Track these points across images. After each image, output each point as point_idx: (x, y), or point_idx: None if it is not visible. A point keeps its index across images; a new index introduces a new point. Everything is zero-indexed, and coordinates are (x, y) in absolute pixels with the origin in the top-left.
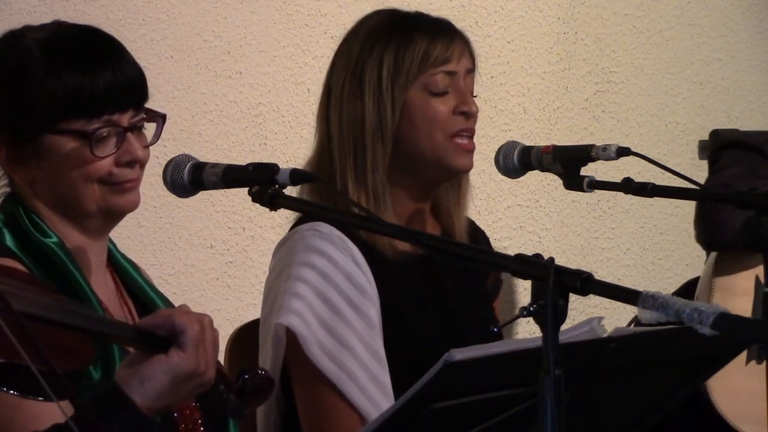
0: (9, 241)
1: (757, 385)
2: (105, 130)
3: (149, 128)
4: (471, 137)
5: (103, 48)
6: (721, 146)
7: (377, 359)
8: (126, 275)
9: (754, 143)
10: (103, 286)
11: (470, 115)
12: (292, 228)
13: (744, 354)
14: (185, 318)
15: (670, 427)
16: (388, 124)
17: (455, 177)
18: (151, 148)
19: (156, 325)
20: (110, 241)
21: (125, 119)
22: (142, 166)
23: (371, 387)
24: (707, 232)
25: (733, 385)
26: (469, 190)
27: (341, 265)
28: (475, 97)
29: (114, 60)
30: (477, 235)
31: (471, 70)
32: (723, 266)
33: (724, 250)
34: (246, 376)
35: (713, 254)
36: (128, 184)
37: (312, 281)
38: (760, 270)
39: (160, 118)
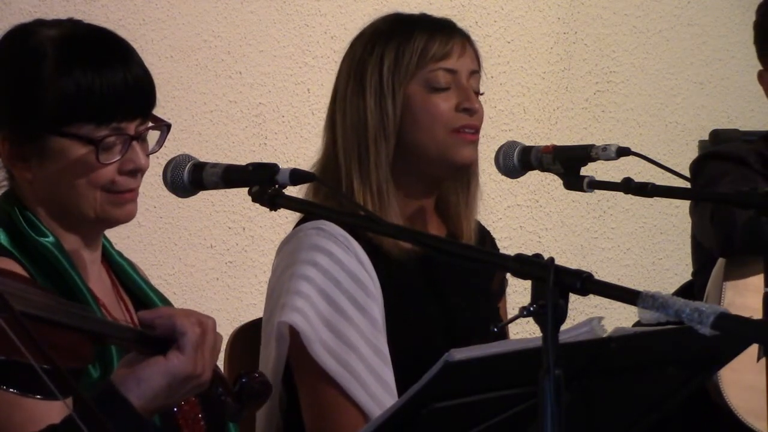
0: (4, 239)
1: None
2: (112, 138)
3: (152, 133)
4: (474, 133)
5: (116, 52)
6: (702, 157)
7: (381, 358)
8: (122, 272)
9: (738, 155)
10: (99, 283)
11: (473, 112)
12: (295, 227)
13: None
14: (186, 320)
15: (671, 427)
16: (389, 120)
17: (459, 172)
18: None
19: (156, 320)
20: (104, 237)
21: (132, 127)
22: (143, 173)
23: (375, 385)
24: (722, 239)
25: (746, 381)
26: (479, 193)
27: (345, 263)
28: (481, 94)
29: (125, 65)
30: (485, 237)
31: (475, 72)
32: (733, 269)
33: (740, 255)
34: (244, 380)
35: (721, 260)
36: (129, 194)
37: (315, 280)
38: None
39: (165, 127)
